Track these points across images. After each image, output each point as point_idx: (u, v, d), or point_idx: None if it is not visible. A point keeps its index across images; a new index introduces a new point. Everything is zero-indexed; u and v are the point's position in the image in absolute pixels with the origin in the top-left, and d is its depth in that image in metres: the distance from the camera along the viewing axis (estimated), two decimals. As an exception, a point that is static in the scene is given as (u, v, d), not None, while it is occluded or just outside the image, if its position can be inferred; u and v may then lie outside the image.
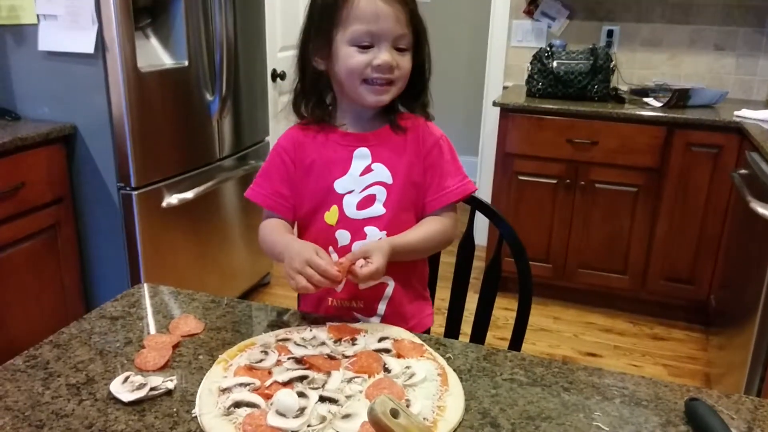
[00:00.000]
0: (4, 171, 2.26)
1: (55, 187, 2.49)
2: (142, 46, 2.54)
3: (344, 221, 1.34)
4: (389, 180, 1.34)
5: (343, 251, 1.31)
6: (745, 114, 2.99)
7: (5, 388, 1.00)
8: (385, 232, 1.33)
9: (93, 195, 2.58)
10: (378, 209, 1.33)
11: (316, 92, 1.36)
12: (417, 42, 1.30)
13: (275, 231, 1.34)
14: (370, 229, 1.33)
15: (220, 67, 2.84)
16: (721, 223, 3.10)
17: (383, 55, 1.24)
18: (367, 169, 1.34)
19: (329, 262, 1.15)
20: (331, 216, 1.34)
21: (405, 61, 1.28)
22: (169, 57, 2.70)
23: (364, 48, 1.25)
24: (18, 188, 2.30)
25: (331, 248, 1.34)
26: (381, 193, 1.33)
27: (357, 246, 1.33)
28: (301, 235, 1.40)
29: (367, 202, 1.33)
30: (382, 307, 1.38)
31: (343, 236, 1.34)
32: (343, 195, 1.33)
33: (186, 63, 2.71)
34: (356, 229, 1.33)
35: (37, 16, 2.42)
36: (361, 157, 1.34)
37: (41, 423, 0.92)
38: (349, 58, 1.26)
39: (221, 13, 2.77)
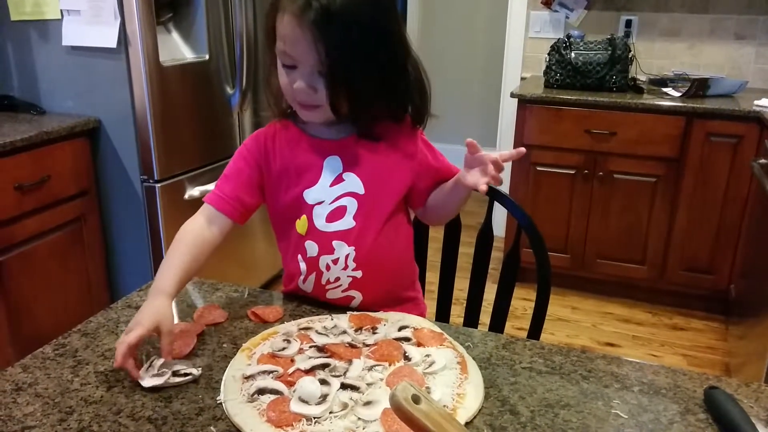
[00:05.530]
0: (31, 164, 2.30)
1: (80, 179, 2.53)
2: (164, 40, 2.56)
3: (313, 233, 1.27)
4: (361, 191, 1.26)
5: (312, 262, 1.28)
6: (765, 103, 2.96)
7: (35, 375, 1.02)
8: (353, 248, 1.26)
9: (117, 187, 2.62)
10: (348, 222, 1.26)
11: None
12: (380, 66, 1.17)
13: (173, 253, 1.24)
14: (337, 244, 1.26)
15: (240, 60, 2.85)
16: (741, 213, 3.07)
17: (298, 83, 1.16)
18: (338, 179, 1.26)
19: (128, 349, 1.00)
20: (301, 225, 1.28)
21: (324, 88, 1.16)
22: (190, 51, 2.73)
23: (289, 68, 1.17)
24: (44, 181, 2.34)
25: (300, 256, 1.29)
26: (352, 204, 1.26)
27: (323, 260, 1.28)
28: (278, 242, 1.36)
29: (337, 214, 1.26)
30: None
31: (311, 247, 1.28)
32: (313, 206, 1.26)
33: (207, 57, 2.73)
34: (324, 242, 1.27)
35: (61, 11, 2.45)
36: (332, 166, 1.27)
37: (71, 409, 0.94)
38: (279, 76, 1.20)
39: (241, 7, 2.78)
